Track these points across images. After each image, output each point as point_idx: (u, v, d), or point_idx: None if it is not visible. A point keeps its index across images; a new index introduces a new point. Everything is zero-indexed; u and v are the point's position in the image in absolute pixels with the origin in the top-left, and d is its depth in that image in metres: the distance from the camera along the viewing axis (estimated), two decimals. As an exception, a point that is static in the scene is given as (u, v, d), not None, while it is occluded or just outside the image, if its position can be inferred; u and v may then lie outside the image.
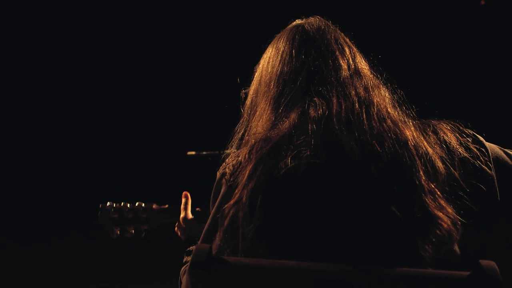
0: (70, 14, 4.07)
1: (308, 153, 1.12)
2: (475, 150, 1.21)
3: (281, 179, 1.11)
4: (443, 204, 1.10)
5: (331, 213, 1.09)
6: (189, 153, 2.49)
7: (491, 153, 1.24)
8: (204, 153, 2.33)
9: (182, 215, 1.86)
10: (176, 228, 1.91)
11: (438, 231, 1.07)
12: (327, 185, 1.10)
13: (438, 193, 1.10)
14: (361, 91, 1.23)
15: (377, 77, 1.33)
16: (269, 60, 1.37)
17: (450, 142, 1.20)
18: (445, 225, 1.07)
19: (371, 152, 1.11)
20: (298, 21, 1.43)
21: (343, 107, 1.18)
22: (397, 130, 1.16)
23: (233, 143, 1.38)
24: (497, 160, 1.25)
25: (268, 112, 1.28)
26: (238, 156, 1.22)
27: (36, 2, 3.98)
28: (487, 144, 1.26)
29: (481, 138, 1.26)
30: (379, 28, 3.88)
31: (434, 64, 4.12)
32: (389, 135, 1.14)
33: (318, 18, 1.41)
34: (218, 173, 1.26)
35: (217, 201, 1.22)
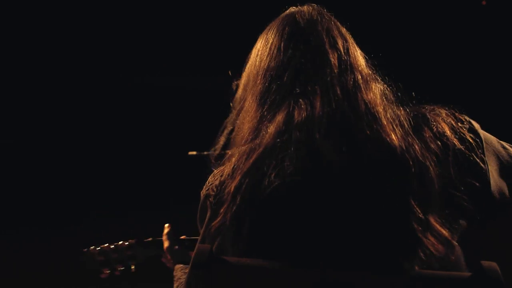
0: (69, 15, 4.07)
1: (292, 169, 1.07)
2: (470, 140, 1.15)
3: (265, 200, 1.07)
4: (433, 223, 1.04)
5: (314, 233, 1.06)
6: (190, 153, 2.49)
7: (486, 144, 1.18)
8: (205, 153, 2.33)
9: (166, 244, 1.83)
10: (163, 259, 1.90)
11: (422, 254, 1.03)
12: (310, 203, 1.06)
13: (428, 213, 1.04)
14: (349, 90, 1.15)
15: (373, 70, 1.24)
16: (257, 52, 1.30)
17: (445, 133, 1.14)
18: (431, 248, 1.03)
19: (353, 163, 1.06)
20: (291, 9, 1.34)
21: (326, 110, 1.11)
22: (384, 137, 1.08)
23: (220, 141, 1.33)
24: (493, 153, 1.19)
25: (254, 107, 1.22)
26: (221, 176, 1.18)
27: (36, 2, 3.99)
28: (482, 134, 1.19)
29: (477, 127, 1.19)
30: (379, 29, 3.88)
31: (435, 64, 4.12)
32: (374, 144, 1.07)
33: (312, 6, 1.32)
34: (201, 194, 1.22)
35: (205, 223, 1.18)
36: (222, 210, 1.12)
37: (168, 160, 4.02)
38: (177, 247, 1.84)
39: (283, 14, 1.34)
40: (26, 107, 4.23)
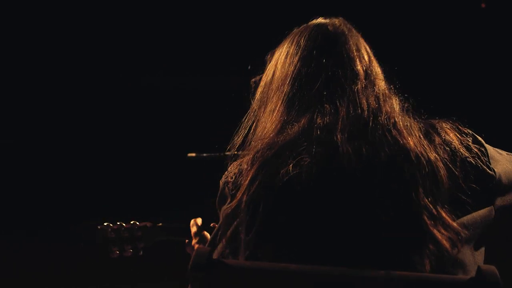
0: (69, 15, 4.07)
1: (309, 160, 1.14)
2: (475, 150, 1.21)
3: (282, 186, 1.12)
4: (444, 217, 1.10)
5: (327, 221, 1.11)
6: (189, 154, 2.49)
7: (491, 155, 1.25)
8: (205, 154, 2.34)
9: (193, 230, 1.84)
10: (187, 249, 1.92)
11: (434, 248, 1.07)
12: (324, 194, 1.12)
13: (438, 208, 1.10)
14: (372, 100, 1.24)
15: (389, 85, 1.33)
16: (286, 55, 1.35)
17: (452, 142, 1.21)
18: (443, 242, 1.08)
19: (369, 164, 1.13)
20: (321, 20, 1.41)
21: (350, 116, 1.20)
22: (401, 140, 1.16)
23: (239, 136, 1.38)
24: (495, 159, 1.25)
25: (281, 110, 1.28)
26: (241, 165, 1.24)
27: (36, 3, 3.99)
28: (485, 144, 1.26)
29: (480, 138, 1.26)
30: (379, 29, 3.88)
31: (435, 68, 4.12)
32: (392, 147, 1.15)
33: (342, 20, 1.40)
34: (220, 182, 1.28)
35: (223, 209, 1.23)
36: (238, 193, 1.17)
37: (167, 161, 4.02)
38: (205, 232, 1.85)
39: (312, 23, 1.40)
40: (26, 107, 4.23)
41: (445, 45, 4.12)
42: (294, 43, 1.36)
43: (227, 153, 1.38)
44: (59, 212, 4.08)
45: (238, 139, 1.37)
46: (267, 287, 1.06)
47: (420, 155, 1.14)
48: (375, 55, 1.39)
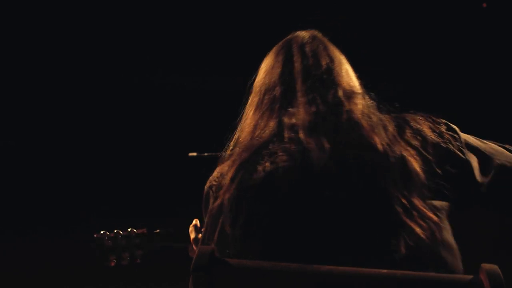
0: (69, 16, 4.07)
1: (284, 157, 1.23)
2: (447, 136, 1.29)
3: (261, 181, 1.22)
4: (419, 206, 1.16)
5: (305, 213, 1.18)
6: (190, 154, 2.49)
7: (464, 139, 1.32)
8: (206, 154, 2.33)
9: (192, 236, 1.89)
10: (190, 253, 1.94)
11: (408, 237, 1.12)
12: (300, 187, 1.20)
13: (412, 198, 1.16)
14: (330, 100, 1.34)
15: (361, 82, 1.44)
16: (261, 68, 1.52)
17: (423, 130, 1.28)
18: (416, 230, 1.13)
19: (338, 160, 1.21)
20: (292, 34, 1.54)
21: (308, 116, 1.30)
22: (366, 138, 1.23)
23: (229, 144, 1.47)
24: (469, 144, 1.32)
25: (252, 117, 1.42)
26: (222, 169, 1.34)
27: (37, 3, 3.98)
28: (459, 130, 1.33)
29: (454, 126, 1.33)
30: (379, 29, 3.88)
31: (435, 67, 4.12)
32: (356, 144, 1.23)
33: (309, 31, 1.53)
34: (205, 187, 1.38)
35: (208, 210, 1.32)
36: (221, 193, 1.27)
37: (168, 161, 4.02)
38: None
39: (284, 39, 1.54)
40: (27, 108, 4.23)
41: (445, 45, 4.12)
42: (266, 59, 1.52)
43: (223, 153, 1.45)
44: (60, 213, 4.08)
45: (230, 147, 1.47)
46: (269, 287, 1.06)
47: (387, 150, 1.21)
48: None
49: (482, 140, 1.38)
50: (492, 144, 1.37)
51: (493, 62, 4.11)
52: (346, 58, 1.49)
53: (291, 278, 1.05)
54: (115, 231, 1.97)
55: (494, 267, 1.01)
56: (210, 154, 2.36)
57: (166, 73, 4.41)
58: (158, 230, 2.00)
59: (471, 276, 1.03)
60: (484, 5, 4.03)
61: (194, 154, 2.47)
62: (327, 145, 1.22)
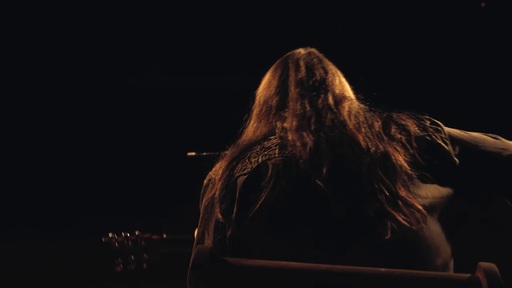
0: (69, 16, 4.07)
1: (277, 151, 1.32)
2: (431, 129, 1.35)
3: (249, 172, 1.30)
4: (404, 196, 1.21)
5: (291, 203, 1.25)
6: (189, 154, 2.49)
7: (448, 131, 1.37)
8: (205, 154, 2.33)
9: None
10: None
11: (393, 224, 1.17)
12: (289, 177, 1.27)
13: (397, 188, 1.22)
14: (318, 104, 1.42)
15: (351, 87, 1.53)
16: (260, 85, 1.63)
17: (407, 124, 1.35)
18: (400, 218, 1.17)
19: (320, 155, 1.28)
20: (292, 51, 1.63)
21: (296, 120, 1.39)
22: (350, 136, 1.31)
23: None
24: (453, 136, 1.37)
25: (251, 125, 1.54)
26: (219, 163, 1.42)
27: (35, 3, 3.99)
28: (442, 125, 1.39)
29: (437, 121, 1.39)
30: (379, 29, 3.88)
31: (434, 67, 4.13)
32: (340, 140, 1.30)
33: (306, 48, 1.61)
34: (205, 181, 1.46)
35: (203, 202, 1.39)
36: (216, 183, 1.35)
37: (167, 161, 4.03)
38: None
39: (283, 56, 1.64)
40: (27, 108, 4.23)
41: (445, 45, 4.12)
42: (268, 72, 1.62)
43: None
44: (61, 213, 4.08)
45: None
46: (267, 285, 1.07)
47: (367, 144, 1.28)
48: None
49: (466, 131, 1.43)
50: (475, 133, 1.43)
51: (492, 61, 4.12)
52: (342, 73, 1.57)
53: (289, 277, 1.06)
54: (122, 233, 1.98)
55: (492, 265, 1.01)
56: (209, 153, 2.36)
57: (165, 73, 4.41)
58: (165, 236, 2.01)
59: (468, 275, 1.03)
60: (483, 4, 4.04)
61: (193, 153, 2.47)
62: (310, 141, 1.30)
